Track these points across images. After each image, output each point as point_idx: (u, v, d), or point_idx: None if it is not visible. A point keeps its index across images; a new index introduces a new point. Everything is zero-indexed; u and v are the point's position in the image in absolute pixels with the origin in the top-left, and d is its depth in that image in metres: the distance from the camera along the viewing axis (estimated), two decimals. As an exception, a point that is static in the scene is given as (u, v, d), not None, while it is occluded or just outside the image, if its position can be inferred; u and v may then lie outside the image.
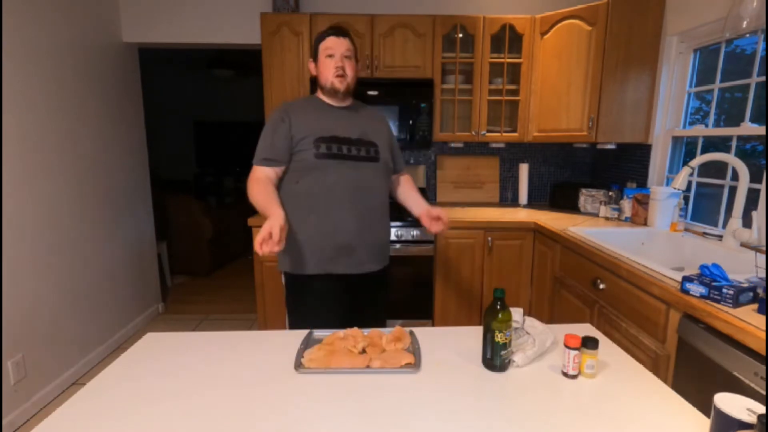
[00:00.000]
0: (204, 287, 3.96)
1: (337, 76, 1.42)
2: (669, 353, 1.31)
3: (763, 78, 1.76)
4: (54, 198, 2.19)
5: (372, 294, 1.57)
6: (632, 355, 1.24)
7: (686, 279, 1.23)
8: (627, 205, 2.28)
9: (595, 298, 1.74)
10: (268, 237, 1.18)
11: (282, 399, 0.85)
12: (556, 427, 0.77)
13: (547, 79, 2.50)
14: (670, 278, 1.35)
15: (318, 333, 1.13)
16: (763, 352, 0.97)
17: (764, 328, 1.00)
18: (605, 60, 2.23)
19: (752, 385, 1.01)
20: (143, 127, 3.08)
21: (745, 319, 1.05)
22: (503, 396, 0.87)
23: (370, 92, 2.47)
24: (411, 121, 2.53)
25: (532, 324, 1.08)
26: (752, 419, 0.64)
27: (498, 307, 0.94)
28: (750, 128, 1.81)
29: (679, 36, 2.18)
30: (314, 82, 2.46)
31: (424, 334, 1.12)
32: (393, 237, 2.35)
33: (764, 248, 1.60)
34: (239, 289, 3.87)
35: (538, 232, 2.32)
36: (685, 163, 1.82)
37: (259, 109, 2.71)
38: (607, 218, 2.40)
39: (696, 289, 1.20)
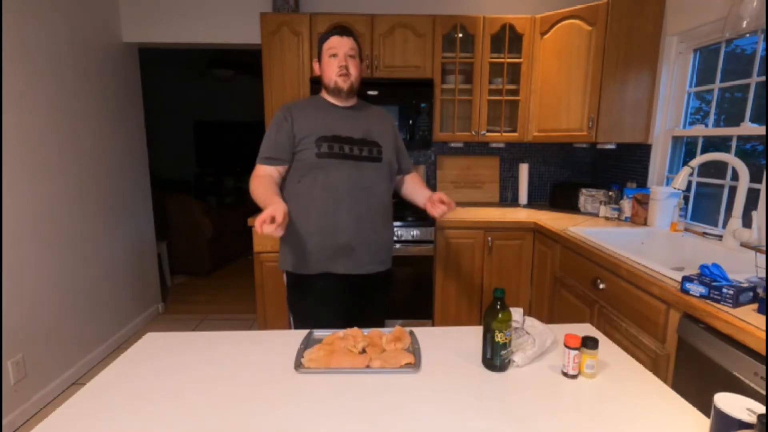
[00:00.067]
0: (204, 287, 3.96)
1: (341, 75, 1.42)
2: (669, 353, 1.31)
3: (763, 78, 1.76)
4: (54, 198, 2.19)
5: (373, 295, 1.57)
6: (632, 355, 1.24)
7: (686, 279, 1.23)
8: (627, 205, 2.28)
9: (595, 298, 1.74)
10: (270, 220, 1.17)
11: (282, 399, 0.85)
12: (556, 427, 0.77)
13: (547, 79, 2.50)
14: (670, 278, 1.35)
15: (318, 333, 1.13)
16: (763, 352, 0.97)
17: (764, 328, 1.00)
18: (605, 60, 2.23)
19: (752, 385, 1.01)
20: (143, 127, 3.08)
21: (745, 319, 1.05)
22: (503, 396, 0.87)
23: (370, 92, 2.47)
24: (411, 121, 2.53)
25: (532, 324, 1.08)
26: (752, 419, 0.64)
27: (498, 307, 0.94)
28: (750, 128, 1.81)
29: (679, 36, 2.18)
30: (314, 82, 2.50)
31: (424, 334, 1.12)
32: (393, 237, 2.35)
33: (764, 248, 1.60)
34: (239, 289, 3.87)
35: (538, 232, 2.32)
36: (685, 163, 1.82)
37: (259, 109, 2.71)
38: (607, 218, 2.40)
39: (696, 289, 1.20)
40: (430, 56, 2.53)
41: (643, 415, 0.81)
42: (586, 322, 1.76)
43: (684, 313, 1.24)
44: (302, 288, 1.49)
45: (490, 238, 2.38)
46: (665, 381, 1.24)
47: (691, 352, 1.20)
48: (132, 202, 2.93)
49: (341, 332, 1.09)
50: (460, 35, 2.55)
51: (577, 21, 2.32)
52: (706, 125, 2.08)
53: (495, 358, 0.95)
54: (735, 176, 1.83)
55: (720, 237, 1.77)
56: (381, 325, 1.58)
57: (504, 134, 2.65)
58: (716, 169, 2.02)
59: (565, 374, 0.93)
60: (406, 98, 2.51)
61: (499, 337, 0.93)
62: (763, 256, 1.42)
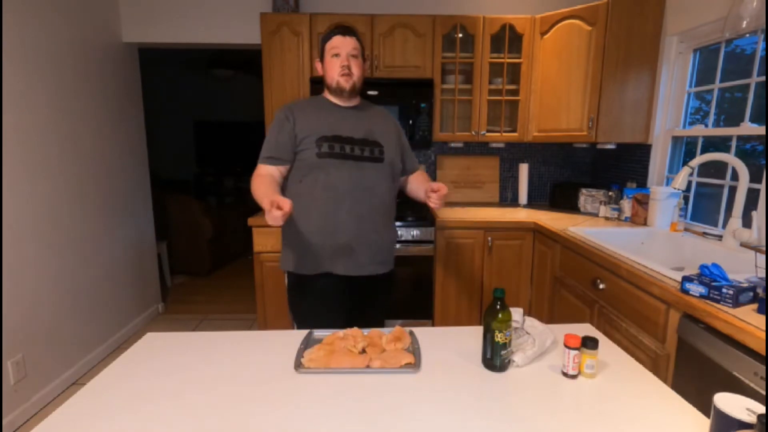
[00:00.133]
0: (204, 287, 3.96)
1: (343, 75, 1.42)
2: (669, 353, 1.31)
3: (763, 78, 1.76)
4: (54, 198, 2.19)
5: (374, 296, 1.57)
6: (632, 355, 1.24)
7: (686, 279, 1.23)
8: (627, 205, 2.28)
9: (595, 298, 1.74)
10: (277, 207, 1.15)
11: (282, 399, 0.85)
12: (556, 427, 0.77)
13: (547, 79, 2.50)
14: (670, 278, 1.35)
15: (318, 333, 1.13)
16: (763, 352, 0.97)
17: (764, 328, 1.00)
18: (605, 60, 2.23)
19: (752, 385, 1.01)
20: (143, 127, 3.08)
21: (745, 319, 1.05)
22: (503, 396, 0.87)
23: (370, 92, 2.47)
24: (411, 121, 2.53)
25: (532, 324, 1.08)
26: (752, 419, 0.64)
27: (498, 307, 0.94)
28: (750, 128, 1.81)
29: (679, 36, 2.18)
30: (314, 82, 2.50)
31: (424, 334, 1.12)
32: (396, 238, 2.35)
33: (764, 248, 1.60)
34: (239, 289, 3.87)
35: (538, 232, 2.32)
36: (685, 163, 1.82)
37: (259, 109, 2.71)
38: (607, 218, 2.40)
39: (696, 289, 1.20)
40: (430, 56, 2.53)
41: (643, 415, 0.81)
42: (586, 322, 1.76)
43: (684, 313, 1.24)
44: (303, 288, 1.49)
45: (490, 238, 2.38)
46: (665, 381, 1.24)
47: (691, 352, 1.20)
48: (132, 202, 2.93)
49: (341, 332, 1.09)
50: (460, 35, 2.55)
51: (577, 21, 2.32)
52: (706, 125, 2.08)
53: (495, 358, 0.95)
54: (735, 176, 1.83)
55: (720, 237, 1.77)
56: (381, 325, 1.58)
57: (504, 134, 2.65)
58: (716, 169, 2.02)
59: (565, 374, 0.93)
60: (406, 98, 2.51)
61: (499, 337, 0.93)
62: (763, 256, 1.42)
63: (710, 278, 1.19)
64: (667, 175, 2.30)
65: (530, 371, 0.96)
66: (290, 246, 1.49)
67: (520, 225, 2.38)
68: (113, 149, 2.70)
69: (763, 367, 0.97)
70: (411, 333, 1.11)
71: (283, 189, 1.47)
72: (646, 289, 1.40)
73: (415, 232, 2.36)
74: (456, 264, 2.42)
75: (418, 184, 1.63)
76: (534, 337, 1.03)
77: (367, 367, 0.96)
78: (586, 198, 2.60)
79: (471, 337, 1.11)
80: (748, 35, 1.83)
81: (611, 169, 2.74)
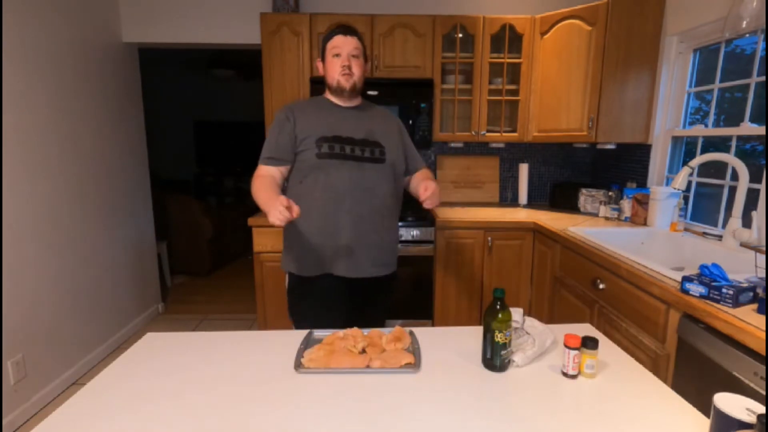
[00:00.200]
0: (204, 287, 3.96)
1: (344, 74, 1.41)
2: (669, 353, 1.31)
3: (763, 78, 1.76)
4: (54, 198, 2.19)
5: (375, 297, 1.56)
6: (632, 355, 1.24)
7: (686, 279, 1.23)
8: (627, 205, 2.28)
9: (595, 298, 1.74)
10: (287, 206, 1.16)
11: (282, 399, 0.85)
12: (556, 427, 0.77)
13: (547, 79, 2.50)
14: (670, 278, 1.35)
15: (318, 333, 1.13)
16: (763, 352, 0.97)
17: (764, 328, 1.00)
18: (605, 60, 2.23)
19: (752, 385, 1.01)
20: (143, 127, 3.08)
21: (745, 319, 1.05)
22: (503, 396, 0.87)
23: (370, 92, 2.47)
24: (411, 121, 2.53)
25: (532, 324, 1.08)
26: (752, 419, 0.64)
27: (498, 307, 0.94)
28: (750, 128, 1.81)
29: (679, 36, 2.18)
30: (314, 82, 2.50)
31: (424, 334, 1.12)
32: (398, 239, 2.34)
33: (764, 248, 1.60)
34: (239, 289, 3.87)
35: (538, 232, 2.32)
36: (685, 163, 1.82)
37: (259, 109, 2.71)
38: (607, 218, 2.40)
39: (696, 289, 1.20)
40: (430, 56, 2.53)
41: (643, 415, 0.81)
42: (586, 322, 1.76)
43: (684, 313, 1.24)
44: (303, 289, 1.48)
45: (490, 238, 2.38)
46: (665, 381, 1.24)
47: (691, 352, 1.20)
48: (132, 202, 2.93)
49: (341, 332, 1.09)
50: (460, 35, 2.55)
51: (577, 21, 2.32)
52: (706, 125, 2.08)
53: (495, 358, 0.95)
54: (735, 176, 1.83)
55: (720, 237, 1.77)
56: (382, 325, 1.57)
57: (504, 134, 2.65)
58: (716, 169, 2.02)
59: (565, 374, 0.93)
60: (406, 98, 2.51)
61: (499, 337, 0.93)
62: (763, 256, 1.42)
63: (710, 278, 1.19)
64: (667, 175, 2.30)
65: (530, 371, 0.96)
66: (291, 247, 1.49)
67: (520, 225, 2.38)
68: (113, 149, 2.70)
69: (763, 367, 0.97)
70: (411, 333, 1.11)
71: (284, 190, 1.47)
72: (646, 289, 1.40)
73: (415, 232, 2.36)
74: (456, 264, 2.42)
75: (416, 183, 1.63)
76: (534, 337, 1.03)
77: (367, 367, 0.96)
78: (586, 198, 2.60)
79: (471, 337, 1.11)
80: (748, 35, 1.83)
81: (611, 169, 2.74)
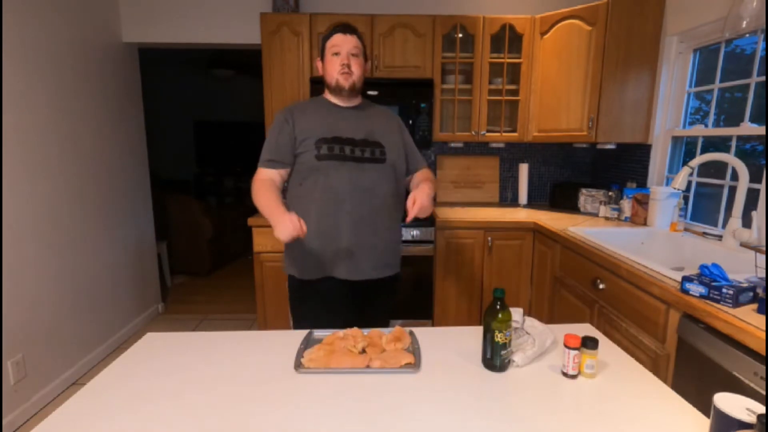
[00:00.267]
0: (204, 287, 3.96)
1: (343, 73, 1.39)
2: (669, 353, 1.31)
3: (763, 78, 1.76)
4: (54, 198, 2.19)
5: (376, 300, 1.54)
6: (632, 355, 1.24)
7: (686, 279, 1.23)
8: (627, 205, 2.28)
9: (595, 298, 1.74)
10: (297, 223, 1.18)
11: (282, 399, 0.85)
12: (556, 427, 0.77)
13: (546, 79, 2.50)
14: (670, 278, 1.35)
15: (318, 333, 1.13)
16: (763, 352, 0.97)
17: (764, 328, 1.00)
18: (605, 60, 2.23)
19: (752, 385, 1.01)
20: (143, 127, 3.08)
21: (745, 319, 1.05)
22: (503, 396, 0.87)
23: (370, 92, 2.47)
24: (411, 121, 2.53)
25: (532, 324, 1.08)
26: (752, 419, 0.64)
27: (498, 307, 0.94)
28: (750, 128, 1.81)
29: (679, 36, 2.18)
30: (314, 82, 2.50)
31: (424, 334, 1.12)
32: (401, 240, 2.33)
33: (764, 248, 1.60)
34: (239, 289, 3.87)
35: (538, 232, 2.32)
36: (685, 163, 1.82)
37: (259, 109, 2.71)
38: (607, 218, 2.40)
39: (696, 289, 1.20)
40: (430, 56, 2.52)
41: (643, 415, 0.81)
42: (586, 322, 1.76)
43: (684, 313, 1.24)
44: (304, 292, 1.47)
45: (490, 238, 2.38)
46: (665, 381, 1.24)
47: (691, 352, 1.20)
48: (132, 202, 2.93)
49: (341, 332, 1.09)
50: (460, 35, 2.55)
51: (577, 21, 2.32)
52: (706, 125, 2.08)
53: (495, 358, 0.95)
54: (735, 176, 1.83)
55: (720, 237, 1.77)
56: (384, 326, 1.57)
57: (504, 134, 2.65)
58: (716, 169, 2.02)
59: (565, 374, 0.93)
60: (406, 98, 2.51)
61: (499, 337, 0.93)
62: (763, 256, 1.42)
63: (710, 278, 1.19)
64: (667, 175, 2.30)
65: (530, 371, 0.96)
66: (292, 249, 1.47)
67: (520, 225, 2.38)
68: (113, 149, 2.70)
69: (763, 367, 0.97)
70: (411, 333, 1.11)
71: (285, 191, 1.46)
72: (646, 289, 1.40)
73: (415, 232, 2.36)
74: (456, 264, 2.42)
75: (414, 185, 1.59)
76: (534, 337, 1.03)
77: (367, 367, 0.96)
78: (586, 198, 2.60)
79: (471, 337, 1.11)
80: (748, 35, 1.83)
81: (611, 169, 2.74)
